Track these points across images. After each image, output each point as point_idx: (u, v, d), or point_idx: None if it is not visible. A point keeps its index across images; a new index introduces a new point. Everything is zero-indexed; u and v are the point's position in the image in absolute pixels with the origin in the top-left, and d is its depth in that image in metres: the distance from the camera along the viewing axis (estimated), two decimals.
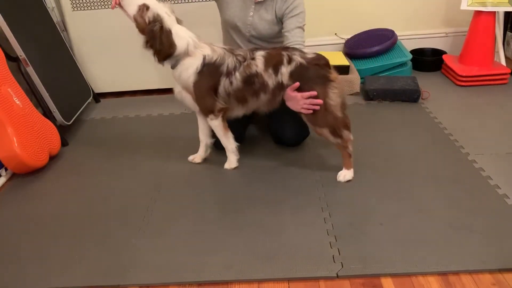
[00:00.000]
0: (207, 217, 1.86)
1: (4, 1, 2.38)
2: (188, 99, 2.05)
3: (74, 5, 2.93)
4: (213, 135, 2.20)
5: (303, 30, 2.16)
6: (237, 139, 2.16)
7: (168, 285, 1.55)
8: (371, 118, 2.63)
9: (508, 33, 3.19)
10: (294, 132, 2.28)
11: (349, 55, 3.19)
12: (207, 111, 2.04)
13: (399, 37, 3.19)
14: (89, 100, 3.01)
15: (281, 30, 2.20)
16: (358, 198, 1.91)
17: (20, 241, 1.81)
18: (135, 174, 2.22)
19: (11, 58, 2.43)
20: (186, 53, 1.93)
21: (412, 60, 3.14)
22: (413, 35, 3.37)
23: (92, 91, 3.08)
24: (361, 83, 2.95)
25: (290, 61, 1.93)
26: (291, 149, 2.32)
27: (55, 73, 2.70)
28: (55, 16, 2.95)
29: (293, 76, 1.93)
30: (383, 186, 1.98)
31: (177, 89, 2.06)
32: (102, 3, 2.91)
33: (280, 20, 2.20)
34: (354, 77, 2.91)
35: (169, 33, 1.90)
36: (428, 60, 3.29)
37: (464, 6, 2.97)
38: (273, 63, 1.93)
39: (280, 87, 1.96)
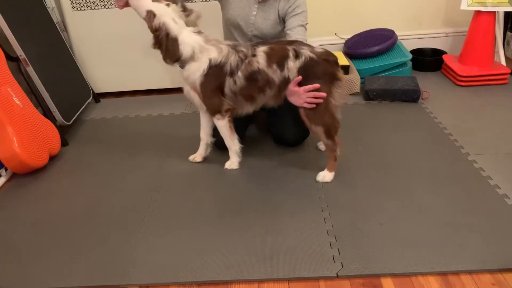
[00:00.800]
0: (207, 217, 1.86)
1: (4, 1, 2.38)
2: (196, 99, 2.07)
3: (74, 5, 2.93)
4: (214, 134, 2.20)
5: (305, 29, 2.16)
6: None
7: (168, 285, 1.55)
8: (371, 118, 2.63)
9: (508, 33, 3.19)
10: (294, 133, 2.28)
11: (349, 55, 3.19)
12: (214, 111, 2.05)
13: (399, 37, 3.19)
14: (89, 100, 3.01)
15: (284, 30, 2.20)
16: (358, 198, 1.91)
17: (20, 241, 1.81)
18: (135, 174, 2.22)
19: (11, 58, 2.43)
20: (192, 59, 1.94)
21: (412, 60, 3.14)
22: (413, 35, 3.37)
23: (92, 91, 3.09)
24: (361, 83, 2.95)
25: (297, 55, 1.91)
26: (291, 149, 2.32)
27: (55, 73, 2.70)
28: (55, 16, 2.95)
29: (301, 71, 1.91)
30: (383, 186, 1.98)
31: (186, 89, 2.08)
32: (102, 3, 2.90)
33: (282, 20, 2.20)
34: (354, 77, 2.91)
35: (174, 41, 1.90)
36: (428, 60, 3.29)
37: (464, 6, 2.97)
38: (277, 58, 1.92)
39: (287, 81, 1.94)
